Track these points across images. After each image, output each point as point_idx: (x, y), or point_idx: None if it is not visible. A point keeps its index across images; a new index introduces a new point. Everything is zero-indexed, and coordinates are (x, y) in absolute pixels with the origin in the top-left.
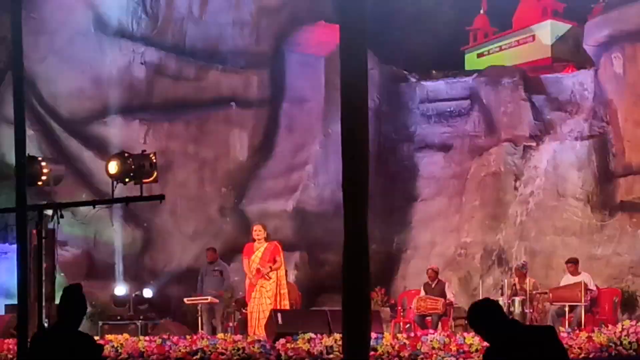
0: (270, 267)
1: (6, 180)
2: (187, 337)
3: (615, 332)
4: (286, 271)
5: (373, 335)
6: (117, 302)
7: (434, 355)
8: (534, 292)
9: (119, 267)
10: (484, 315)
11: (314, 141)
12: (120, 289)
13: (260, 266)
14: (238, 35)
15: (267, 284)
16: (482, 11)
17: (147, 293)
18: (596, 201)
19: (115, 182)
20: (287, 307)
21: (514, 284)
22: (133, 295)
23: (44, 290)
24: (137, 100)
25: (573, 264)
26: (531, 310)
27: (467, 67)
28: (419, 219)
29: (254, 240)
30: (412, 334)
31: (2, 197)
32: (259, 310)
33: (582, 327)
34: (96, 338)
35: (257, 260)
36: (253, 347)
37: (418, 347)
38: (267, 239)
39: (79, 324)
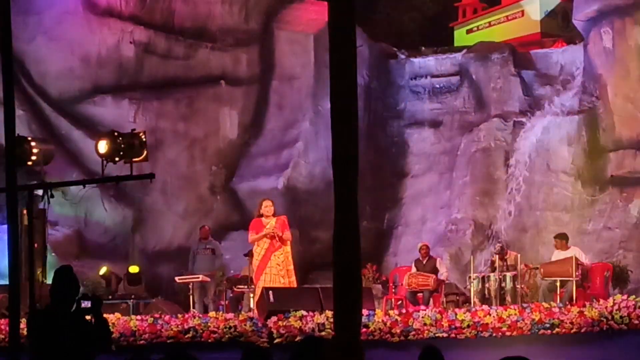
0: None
1: None
2: (179, 315)
3: (606, 307)
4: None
5: (365, 312)
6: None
7: (426, 331)
8: (522, 266)
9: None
10: None
11: (304, 118)
12: (103, 269)
13: (275, 232)
14: (227, 13)
15: (280, 261)
16: None
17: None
18: (587, 176)
19: (105, 161)
20: (294, 284)
21: (493, 261)
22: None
23: (35, 270)
24: (126, 79)
25: (560, 240)
26: (522, 286)
27: (456, 43)
28: (409, 196)
29: (260, 216)
30: (404, 311)
31: None
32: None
33: (574, 302)
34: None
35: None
36: (245, 325)
37: (410, 324)
38: (274, 214)
39: (72, 304)
